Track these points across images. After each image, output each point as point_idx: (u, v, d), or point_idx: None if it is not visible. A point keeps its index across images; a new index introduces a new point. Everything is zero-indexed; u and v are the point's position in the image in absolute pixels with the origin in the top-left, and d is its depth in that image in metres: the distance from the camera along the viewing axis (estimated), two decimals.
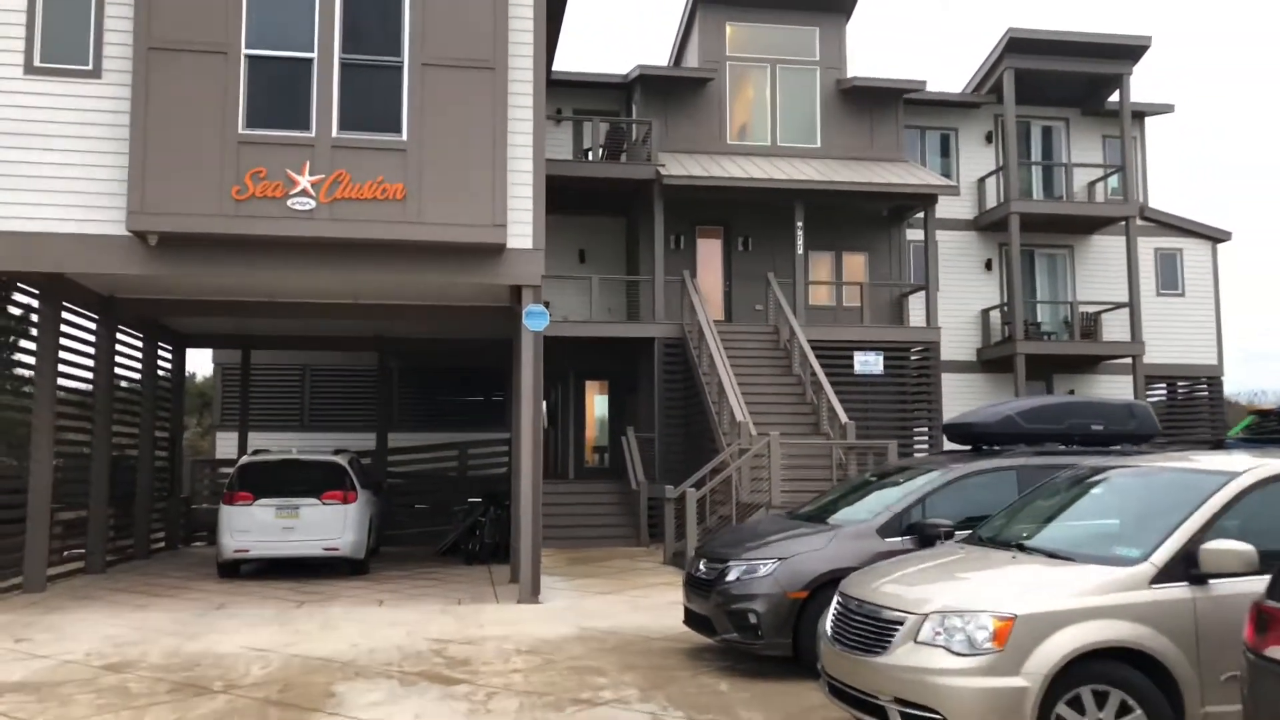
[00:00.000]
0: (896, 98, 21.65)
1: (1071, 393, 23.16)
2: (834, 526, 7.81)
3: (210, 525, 17.21)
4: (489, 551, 15.31)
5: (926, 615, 5.14)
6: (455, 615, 10.40)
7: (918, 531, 7.39)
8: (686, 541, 13.83)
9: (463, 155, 11.15)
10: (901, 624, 5.21)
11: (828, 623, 5.87)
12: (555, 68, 16.33)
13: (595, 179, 19.56)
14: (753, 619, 7.38)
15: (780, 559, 7.45)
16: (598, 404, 22.67)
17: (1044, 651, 4.85)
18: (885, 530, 7.53)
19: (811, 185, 19.62)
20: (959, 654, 4.94)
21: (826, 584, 7.29)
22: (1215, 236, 24.01)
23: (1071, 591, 5.05)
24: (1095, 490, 6.24)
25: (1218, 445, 8.53)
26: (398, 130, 11.13)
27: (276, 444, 18.60)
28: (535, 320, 11.57)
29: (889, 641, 5.23)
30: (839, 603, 5.84)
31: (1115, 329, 22.79)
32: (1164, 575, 5.07)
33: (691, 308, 18.75)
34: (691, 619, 8.25)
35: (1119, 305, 22.20)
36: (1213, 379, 23.70)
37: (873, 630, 5.38)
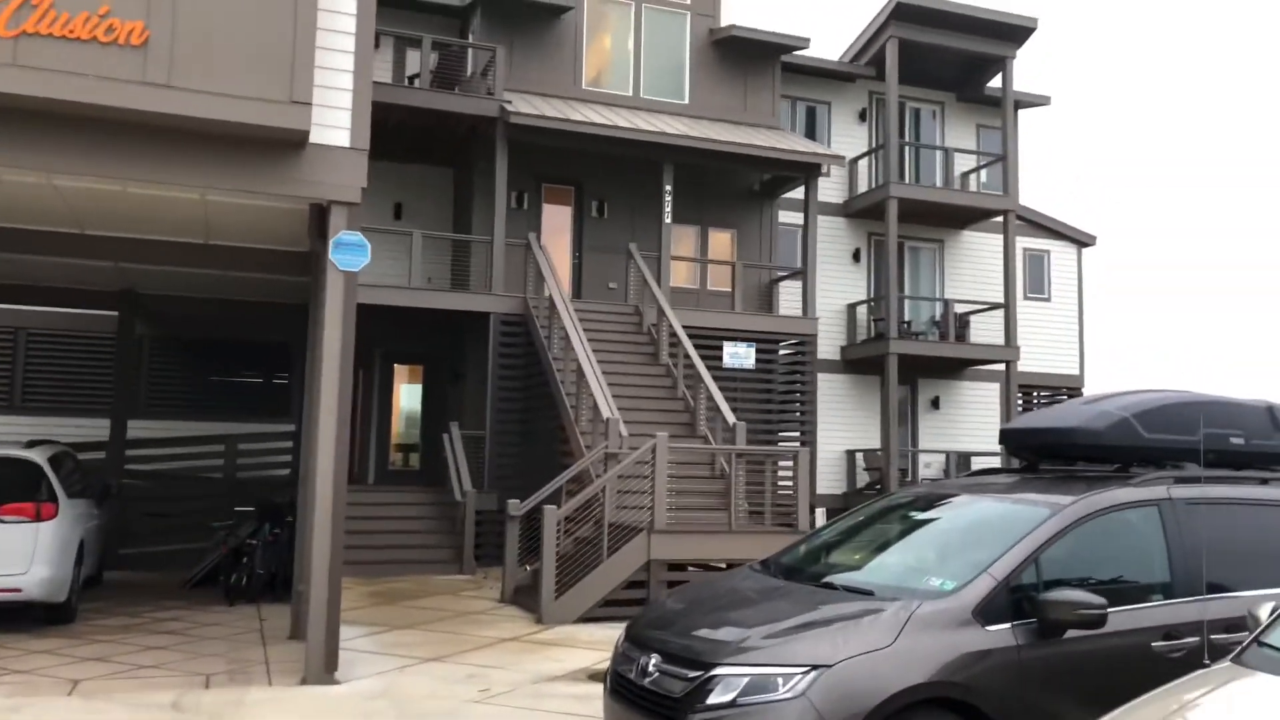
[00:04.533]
0: (775, 55, 18.94)
1: (936, 399, 21.26)
2: (886, 600, 4.48)
3: None
4: (261, 585, 11.19)
5: None
6: (197, 715, 6.46)
7: (1042, 613, 4.27)
8: (542, 574, 10.31)
9: None
10: None
11: None
12: None
13: (423, 111, 15.59)
14: None
15: (817, 666, 4.08)
16: (405, 393, 18.71)
17: None
18: (986, 610, 4.33)
19: (684, 142, 16.54)
20: None
21: (902, 711, 4.05)
22: (1082, 240, 22.80)
23: None
24: None
25: None
26: None
27: None
28: (348, 255, 7.73)
29: None
30: None
31: (983, 332, 21.05)
32: None
33: (539, 278, 15.25)
34: None
35: (995, 306, 20.39)
36: (1074, 390, 22.35)
37: None
